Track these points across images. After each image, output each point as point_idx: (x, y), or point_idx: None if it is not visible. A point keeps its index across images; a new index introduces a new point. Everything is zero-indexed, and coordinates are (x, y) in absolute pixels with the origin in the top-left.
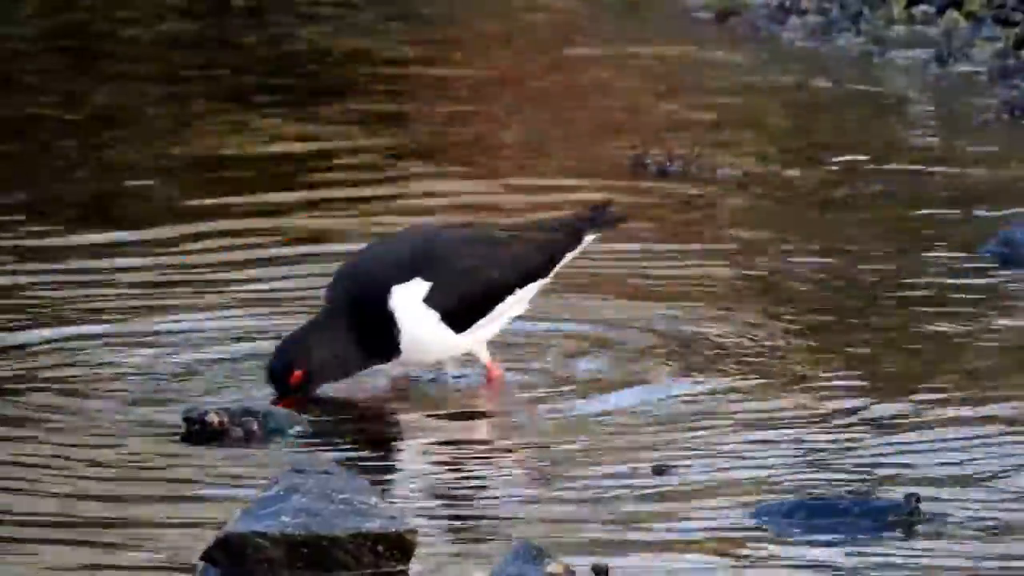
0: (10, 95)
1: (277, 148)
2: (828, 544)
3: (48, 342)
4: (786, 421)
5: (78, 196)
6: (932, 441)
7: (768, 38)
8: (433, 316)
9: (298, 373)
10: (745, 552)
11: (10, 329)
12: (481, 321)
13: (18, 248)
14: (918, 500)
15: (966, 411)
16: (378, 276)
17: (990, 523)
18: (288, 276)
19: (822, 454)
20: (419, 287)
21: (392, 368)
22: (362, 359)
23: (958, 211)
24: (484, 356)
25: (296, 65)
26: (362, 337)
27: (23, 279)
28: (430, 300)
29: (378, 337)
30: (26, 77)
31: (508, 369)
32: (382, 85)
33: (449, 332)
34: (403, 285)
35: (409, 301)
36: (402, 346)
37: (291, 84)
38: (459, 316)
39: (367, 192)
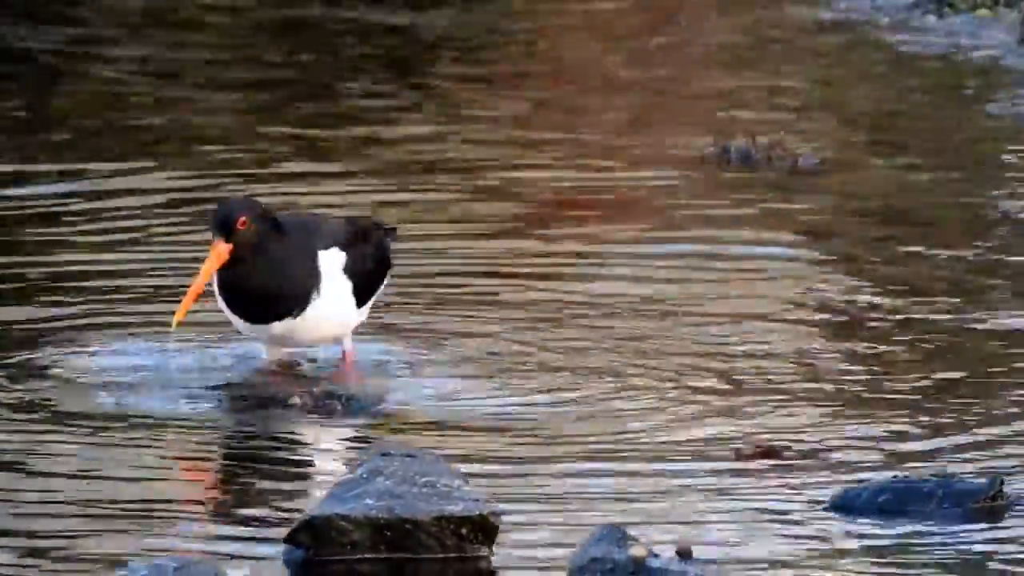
0: (97, 78)
1: (361, 133)
2: (912, 527)
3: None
4: (868, 404)
5: (163, 177)
6: (1016, 424)
7: (851, 24)
8: (348, 285)
9: (244, 219)
10: (830, 535)
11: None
12: (369, 303)
13: (103, 230)
14: (1002, 483)
15: None
16: (308, 236)
17: None
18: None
19: (905, 438)
20: (339, 255)
21: (266, 344)
22: (290, 262)
23: None
24: (349, 342)
25: (377, 50)
26: (292, 266)
27: (107, 257)
28: (347, 270)
29: (300, 284)
30: (113, 62)
31: (591, 349)
32: (461, 71)
33: (352, 305)
34: (327, 251)
35: (332, 266)
36: (311, 306)
37: (373, 69)
38: (362, 292)
39: (453, 179)
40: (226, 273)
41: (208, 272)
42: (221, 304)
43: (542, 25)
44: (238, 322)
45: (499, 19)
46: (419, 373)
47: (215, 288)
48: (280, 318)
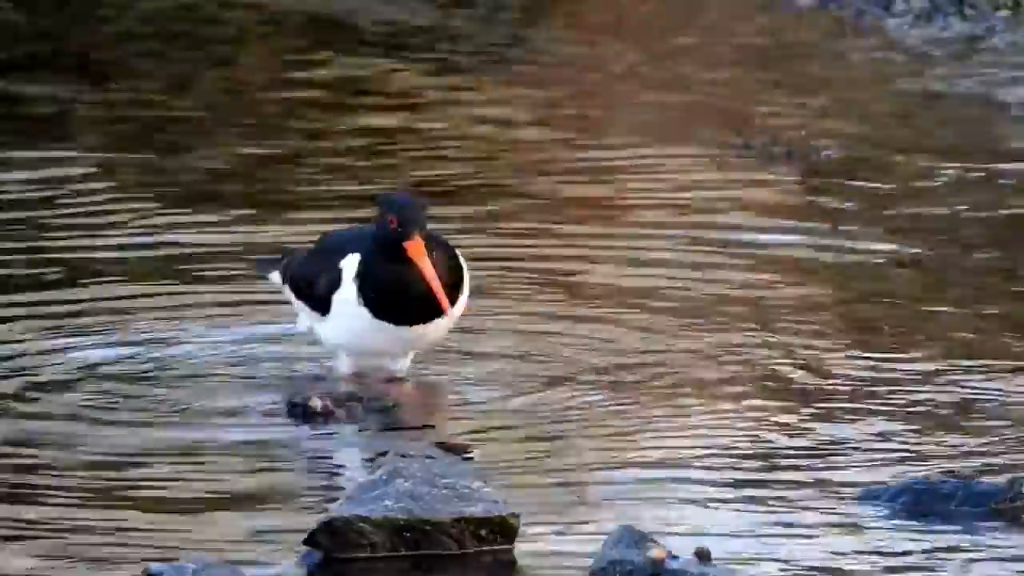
0: (120, 78)
1: (378, 127)
2: (932, 529)
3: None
4: (887, 406)
5: (189, 177)
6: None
7: (873, 24)
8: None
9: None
10: (849, 537)
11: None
12: None
13: (127, 235)
14: (1022, 485)
15: None
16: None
17: None
18: None
19: (924, 438)
20: (459, 253)
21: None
22: (454, 257)
23: None
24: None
25: (404, 48)
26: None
27: (129, 263)
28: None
29: (459, 280)
30: (135, 60)
31: (612, 345)
32: (481, 68)
33: None
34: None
35: (463, 262)
36: (458, 303)
37: (402, 68)
38: None
39: (477, 174)
40: (403, 270)
41: (430, 267)
42: (358, 306)
43: (562, 22)
44: (367, 326)
45: (522, 17)
46: (439, 371)
47: (352, 292)
48: (436, 317)
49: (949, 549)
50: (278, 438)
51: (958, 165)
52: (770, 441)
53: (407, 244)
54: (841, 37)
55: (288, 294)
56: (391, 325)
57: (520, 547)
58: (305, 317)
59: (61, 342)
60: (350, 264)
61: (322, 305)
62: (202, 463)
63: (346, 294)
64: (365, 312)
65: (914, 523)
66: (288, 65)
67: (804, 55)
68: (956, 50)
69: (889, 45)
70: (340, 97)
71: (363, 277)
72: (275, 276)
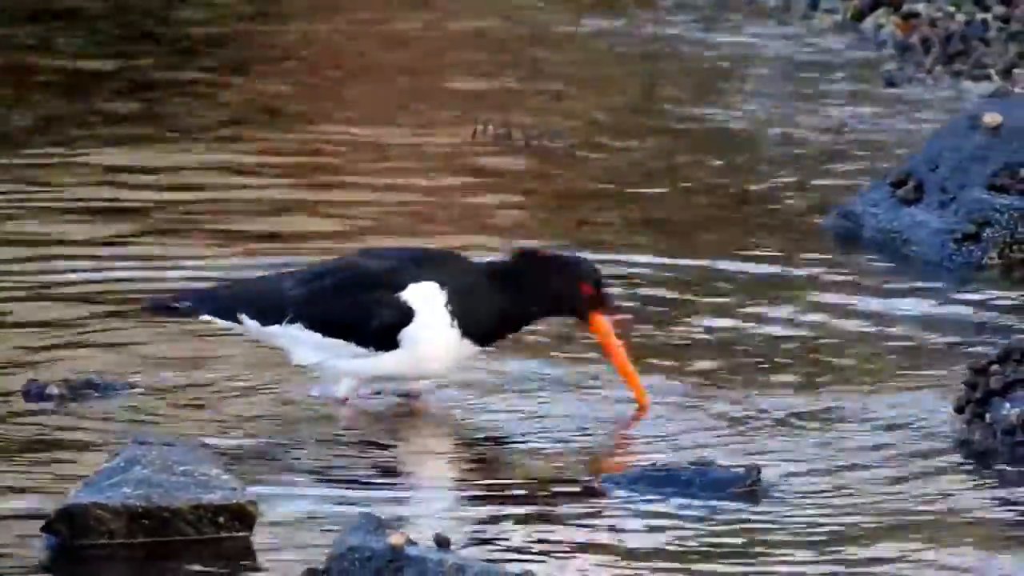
0: None
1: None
2: (670, 515)
3: None
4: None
5: None
6: (768, 416)
7: (609, 5)
8: None
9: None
10: (588, 522)
11: None
12: None
13: None
14: (759, 472)
15: (800, 390)
16: None
17: (824, 493)
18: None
19: (663, 428)
20: None
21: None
22: None
23: (798, 182)
24: None
25: (139, 38)
26: None
27: None
28: None
29: None
30: None
31: None
32: (211, 58)
33: None
34: None
35: None
36: None
37: (133, 54)
38: None
39: (212, 165)
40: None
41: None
42: (450, 329)
43: (288, 8)
44: (451, 349)
45: (242, 4)
46: (177, 357)
47: (443, 320)
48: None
49: (686, 535)
50: (13, 423)
51: (692, 148)
52: (508, 425)
53: (598, 316)
54: (575, 21)
55: (292, 333)
56: (475, 345)
57: (259, 534)
58: (312, 350)
59: None
60: (424, 295)
61: (383, 341)
62: None
63: (429, 322)
64: (454, 334)
65: (651, 508)
66: (24, 52)
67: (543, 40)
68: (692, 32)
69: (625, 27)
70: (75, 82)
71: (462, 306)
72: (220, 319)
